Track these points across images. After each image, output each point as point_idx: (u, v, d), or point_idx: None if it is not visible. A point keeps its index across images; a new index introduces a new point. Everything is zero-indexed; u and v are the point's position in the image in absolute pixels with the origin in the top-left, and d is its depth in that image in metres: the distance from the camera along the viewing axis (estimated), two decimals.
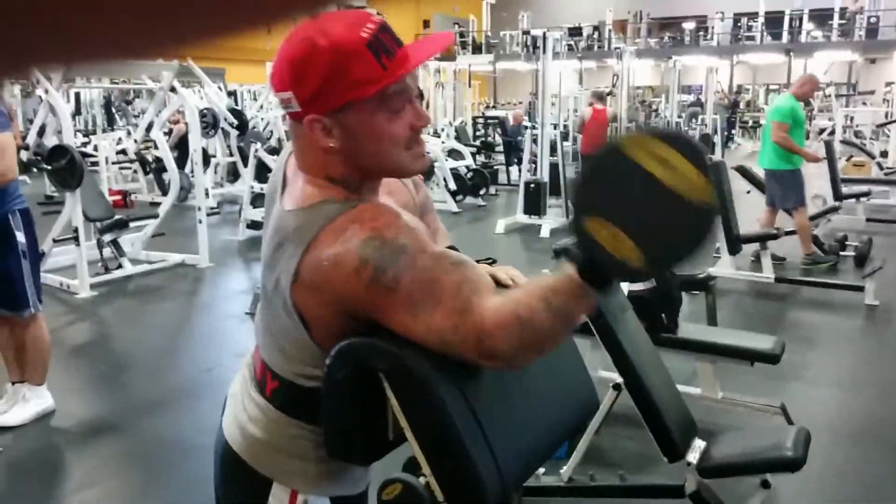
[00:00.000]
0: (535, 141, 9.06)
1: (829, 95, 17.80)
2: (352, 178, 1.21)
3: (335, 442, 1.25)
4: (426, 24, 27.92)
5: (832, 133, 11.94)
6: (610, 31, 25.56)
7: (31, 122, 8.37)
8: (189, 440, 3.37)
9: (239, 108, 12.04)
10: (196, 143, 7.29)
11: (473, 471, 1.18)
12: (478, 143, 13.75)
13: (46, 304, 3.77)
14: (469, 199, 10.29)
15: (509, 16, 25.81)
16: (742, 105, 25.49)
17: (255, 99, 15.10)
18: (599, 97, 10.36)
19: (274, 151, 9.79)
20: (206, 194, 7.18)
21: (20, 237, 3.36)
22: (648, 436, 2.35)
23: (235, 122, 9.75)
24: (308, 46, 1.12)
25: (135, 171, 11.35)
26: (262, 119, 12.60)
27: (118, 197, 9.50)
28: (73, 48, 0.26)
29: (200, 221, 6.71)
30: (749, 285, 5.93)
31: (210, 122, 9.78)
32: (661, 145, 1.00)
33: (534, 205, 8.58)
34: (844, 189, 8.02)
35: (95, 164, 9.61)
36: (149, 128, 8.04)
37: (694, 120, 16.56)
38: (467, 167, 10.88)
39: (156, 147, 9.21)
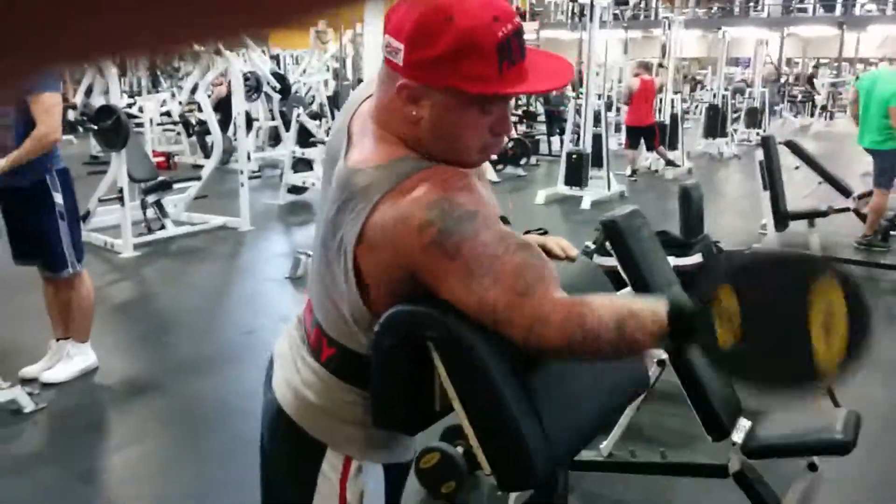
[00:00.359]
0: (578, 111, 8.93)
1: None
2: (420, 146, 1.19)
3: (381, 410, 1.24)
4: None
5: None
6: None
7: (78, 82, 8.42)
8: (230, 403, 3.40)
9: (282, 72, 12.04)
10: (240, 106, 7.30)
11: (523, 444, 1.15)
12: (519, 112, 13.59)
13: (90, 263, 3.79)
14: (509, 169, 10.16)
15: None
16: (791, 79, 24.87)
17: (298, 63, 15.07)
18: (646, 67, 10.16)
19: (316, 116, 9.79)
20: (248, 158, 7.18)
21: (58, 198, 3.35)
22: (691, 413, 2.30)
23: (278, 85, 9.75)
24: (444, 18, 1.08)
25: (178, 133, 11.42)
26: (304, 84, 12.59)
27: (161, 158, 9.59)
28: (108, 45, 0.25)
29: (242, 185, 6.73)
30: None
31: (253, 86, 9.76)
32: (841, 301, 1.04)
33: (575, 176, 8.46)
34: None
35: (140, 125, 9.69)
36: (193, 90, 8.07)
37: (740, 95, 16.21)
38: (508, 136, 10.75)
39: (199, 109, 9.25)
